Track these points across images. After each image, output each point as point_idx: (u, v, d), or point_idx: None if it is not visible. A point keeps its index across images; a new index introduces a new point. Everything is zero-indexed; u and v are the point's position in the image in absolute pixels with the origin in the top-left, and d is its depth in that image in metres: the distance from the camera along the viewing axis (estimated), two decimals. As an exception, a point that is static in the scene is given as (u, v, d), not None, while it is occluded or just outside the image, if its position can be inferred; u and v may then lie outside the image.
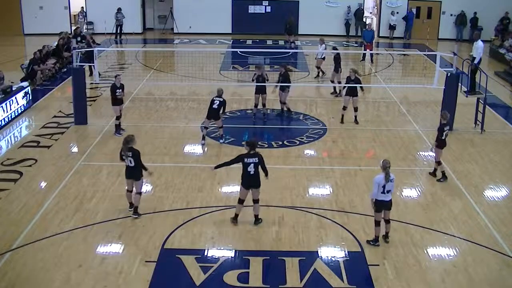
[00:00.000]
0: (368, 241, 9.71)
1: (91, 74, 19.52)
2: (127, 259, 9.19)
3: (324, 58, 20.74)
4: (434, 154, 12.61)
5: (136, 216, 10.45)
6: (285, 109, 16.75)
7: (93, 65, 17.63)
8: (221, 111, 14.01)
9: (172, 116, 16.64)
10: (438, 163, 12.45)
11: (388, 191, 9.39)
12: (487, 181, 12.56)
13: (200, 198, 11.37)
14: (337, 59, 18.57)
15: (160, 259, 9.20)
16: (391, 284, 8.65)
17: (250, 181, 10.04)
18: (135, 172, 10.33)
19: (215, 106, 13.94)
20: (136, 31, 31.17)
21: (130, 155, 10.19)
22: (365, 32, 24.59)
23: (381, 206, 9.47)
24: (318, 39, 21.11)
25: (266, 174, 10.15)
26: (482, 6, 29.68)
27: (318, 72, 21.14)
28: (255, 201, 10.18)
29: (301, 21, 31.26)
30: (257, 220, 10.33)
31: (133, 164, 10.25)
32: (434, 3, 30.98)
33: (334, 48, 19.82)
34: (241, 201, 10.23)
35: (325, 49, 20.67)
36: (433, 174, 12.58)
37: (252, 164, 9.90)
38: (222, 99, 14.00)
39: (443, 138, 12.18)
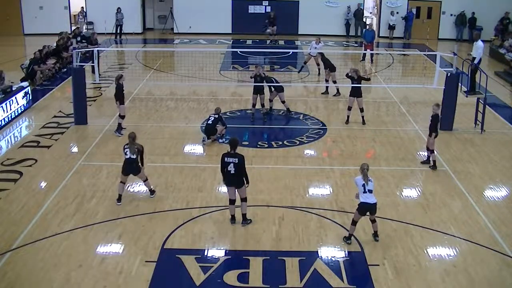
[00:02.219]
0: (343, 238, 9.80)
1: (93, 71, 19.47)
2: (127, 259, 9.19)
3: (315, 55, 20.96)
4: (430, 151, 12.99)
5: (153, 196, 11.26)
6: (269, 108, 16.88)
7: (95, 65, 17.59)
8: (218, 125, 14.16)
9: (172, 116, 16.64)
10: (432, 151, 12.90)
11: (370, 191, 9.41)
12: (487, 181, 12.55)
13: (200, 198, 11.37)
14: (325, 59, 18.65)
15: (160, 259, 9.19)
16: (391, 284, 8.65)
17: (230, 180, 10.03)
18: (136, 166, 10.92)
19: (210, 122, 14.24)
20: (136, 31, 31.17)
21: (136, 147, 10.84)
22: (366, 32, 24.60)
23: (365, 209, 9.48)
24: (315, 38, 21.57)
25: (247, 181, 10.10)
26: (482, 6, 29.69)
27: (302, 67, 21.80)
28: (243, 199, 10.16)
29: (301, 21, 31.34)
30: (245, 220, 10.26)
31: (134, 156, 10.80)
32: (434, 3, 30.97)
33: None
34: (231, 201, 10.20)
35: (321, 47, 20.94)
36: (433, 167, 12.91)
37: (231, 164, 9.88)
38: (217, 115, 14.25)
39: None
